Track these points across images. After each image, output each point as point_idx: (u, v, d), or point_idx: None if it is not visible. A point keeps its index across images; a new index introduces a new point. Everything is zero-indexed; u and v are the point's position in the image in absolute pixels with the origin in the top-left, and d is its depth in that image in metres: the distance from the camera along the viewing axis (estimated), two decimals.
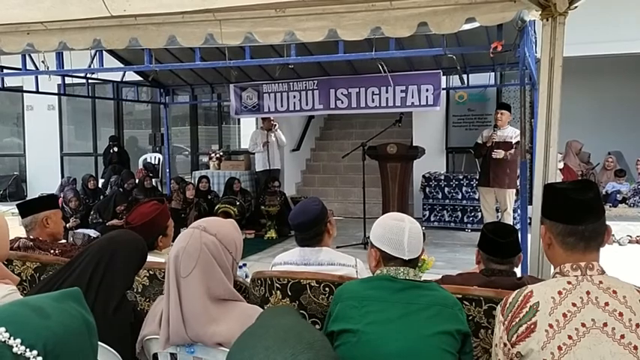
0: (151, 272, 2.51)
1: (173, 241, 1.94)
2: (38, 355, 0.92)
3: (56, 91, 8.74)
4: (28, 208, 3.00)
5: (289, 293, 2.27)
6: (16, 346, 0.91)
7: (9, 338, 0.91)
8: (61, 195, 8.07)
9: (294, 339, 0.84)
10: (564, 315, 1.45)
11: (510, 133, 6.92)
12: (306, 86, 7.98)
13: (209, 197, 8.56)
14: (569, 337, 1.42)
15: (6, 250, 2.19)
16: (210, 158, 10.13)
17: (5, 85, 7.11)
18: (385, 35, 3.47)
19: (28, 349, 0.91)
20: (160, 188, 9.95)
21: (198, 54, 4.53)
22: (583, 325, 1.43)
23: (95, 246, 2.03)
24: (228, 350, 1.64)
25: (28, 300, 1.06)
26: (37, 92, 7.55)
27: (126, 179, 8.71)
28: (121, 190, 8.57)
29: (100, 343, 1.57)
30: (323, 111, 8.39)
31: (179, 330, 1.68)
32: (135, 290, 2.54)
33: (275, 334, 0.88)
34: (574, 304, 1.46)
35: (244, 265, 4.82)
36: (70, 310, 1.02)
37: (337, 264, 2.50)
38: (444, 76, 7.80)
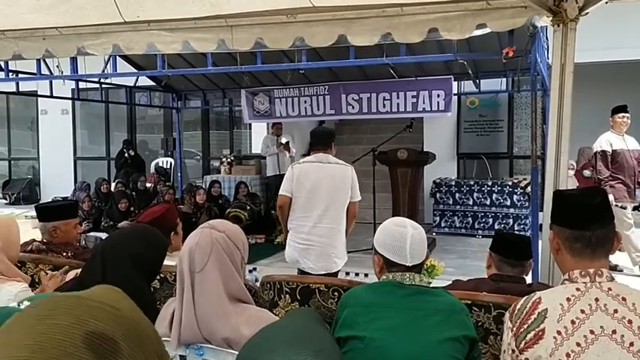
0: (161, 275, 2.53)
1: (184, 240, 1.95)
2: None
3: (70, 96, 8.84)
4: (41, 215, 3.03)
5: (298, 297, 2.28)
6: None
7: None
8: (74, 197, 8.18)
9: (301, 344, 0.85)
10: (573, 322, 1.44)
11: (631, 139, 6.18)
12: (317, 91, 8.00)
13: (220, 202, 8.60)
14: (578, 345, 1.42)
15: (16, 252, 2.24)
16: (222, 163, 10.18)
17: (20, 90, 7.21)
18: (396, 41, 3.49)
19: None
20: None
21: (211, 59, 4.57)
22: (592, 332, 1.42)
23: (97, 247, 2.08)
24: (237, 352, 1.65)
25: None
26: (51, 97, 7.64)
27: (136, 180, 8.87)
28: (127, 191, 8.71)
29: None
30: (334, 116, 8.41)
31: (192, 326, 1.69)
32: None
33: (284, 337, 0.89)
34: (582, 311, 1.45)
35: (254, 269, 4.84)
36: None
37: (337, 163, 4.00)
38: (456, 82, 7.80)
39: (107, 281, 1.60)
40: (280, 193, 4.06)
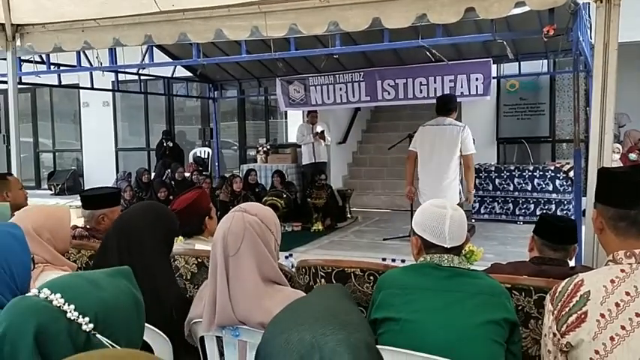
0: (199, 260, 2.56)
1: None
2: (90, 322, 0.97)
3: (110, 88, 9.04)
4: (89, 203, 3.10)
5: (334, 281, 2.27)
6: (70, 311, 0.97)
7: (64, 304, 0.98)
8: (117, 186, 8.40)
9: (327, 319, 0.84)
10: (617, 304, 1.39)
11: None
12: (352, 78, 7.95)
13: (257, 190, 8.68)
14: (622, 328, 1.37)
15: (65, 245, 2.28)
16: (258, 152, 10.27)
17: (61, 82, 7.41)
18: (431, 22, 3.42)
19: (80, 316, 0.97)
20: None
21: (245, 47, 4.58)
22: (637, 315, 1.37)
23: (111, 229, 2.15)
24: None
25: (83, 273, 1.13)
26: (92, 89, 7.84)
27: (174, 170, 9.07)
28: (166, 180, 8.94)
29: (149, 325, 1.63)
30: (370, 103, 8.35)
31: (226, 310, 1.70)
32: (184, 277, 2.60)
33: (310, 312, 0.89)
34: (627, 293, 1.39)
35: (291, 255, 4.87)
36: (121, 286, 1.07)
37: (451, 124, 5.29)
38: (495, 65, 7.62)
39: (123, 262, 1.66)
40: (409, 148, 5.67)
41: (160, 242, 2.07)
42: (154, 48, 5.34)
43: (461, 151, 5.31)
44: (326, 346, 0.78)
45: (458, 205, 4.70)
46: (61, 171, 13.10)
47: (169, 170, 9.68)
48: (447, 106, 5.54)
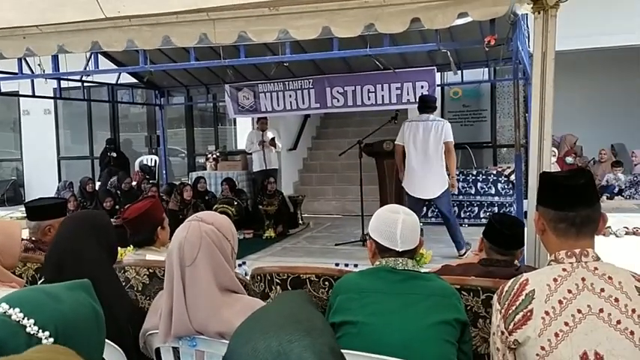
0: (150, 270, 2.52)
1: (171, 237, 1.95)
2: (50, 336, 0.96)
3: (52, 95, 8.74)
4: (34, 214, 3.01)
5: (289, 288, 2.29)
6: (30, 326, 0.96)
7: (23, 318, 0.96)
8: (59, 197, 8.10)
9: (292, 325, 0.86)
10: (560, 302, 1.46)
11: None
12: (301, 85, 7.99)
13: (206, 198, 8.57)
14: (566, 324, 1.44)
15: (13, 261, 2.20)
16: (207, 159, 10.15)
17: (1, 90, 7.10)
18: (379, 32, 3.50)
19: (40, 330, 0.96)
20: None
21: (193, 54, 4.54)
22: (579, 311, 1.44)
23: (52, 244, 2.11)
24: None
25: (42, 287, 1.11)
26: (33, 96, 7.54)
27: (122, 180, 8.84)
28: (112, 190, 8.71)
29: None
30: (319, 110, 8.41)
31: (183, 320, 1.69)
32: (135, 289, 2.55)
33: (275, 320, 0.91)
34: (569, 291, 1.47)
35: (244, 263, 4.84)
36: (81, 299, 1.06)
37: (434, 120, 6.13)
38: (439, 73, 7.84)
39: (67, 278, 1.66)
40: (396, 143, 6.30)
41: (102, 252, 2.04)
42: (99, 54, 5.20)
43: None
44: (292, 353, 0.81)
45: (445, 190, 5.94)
46: (1, 181, 12.55)
47: (115, 178, 9.43)
48: (427, 104, 6.24)
